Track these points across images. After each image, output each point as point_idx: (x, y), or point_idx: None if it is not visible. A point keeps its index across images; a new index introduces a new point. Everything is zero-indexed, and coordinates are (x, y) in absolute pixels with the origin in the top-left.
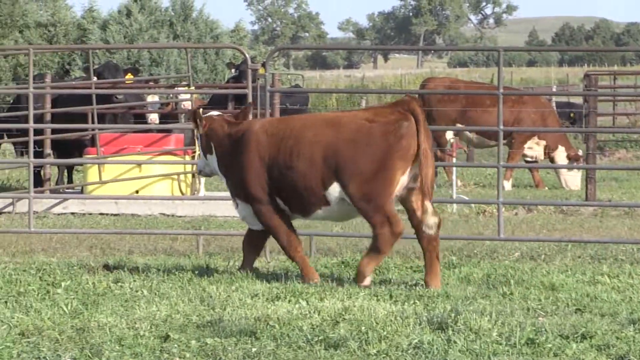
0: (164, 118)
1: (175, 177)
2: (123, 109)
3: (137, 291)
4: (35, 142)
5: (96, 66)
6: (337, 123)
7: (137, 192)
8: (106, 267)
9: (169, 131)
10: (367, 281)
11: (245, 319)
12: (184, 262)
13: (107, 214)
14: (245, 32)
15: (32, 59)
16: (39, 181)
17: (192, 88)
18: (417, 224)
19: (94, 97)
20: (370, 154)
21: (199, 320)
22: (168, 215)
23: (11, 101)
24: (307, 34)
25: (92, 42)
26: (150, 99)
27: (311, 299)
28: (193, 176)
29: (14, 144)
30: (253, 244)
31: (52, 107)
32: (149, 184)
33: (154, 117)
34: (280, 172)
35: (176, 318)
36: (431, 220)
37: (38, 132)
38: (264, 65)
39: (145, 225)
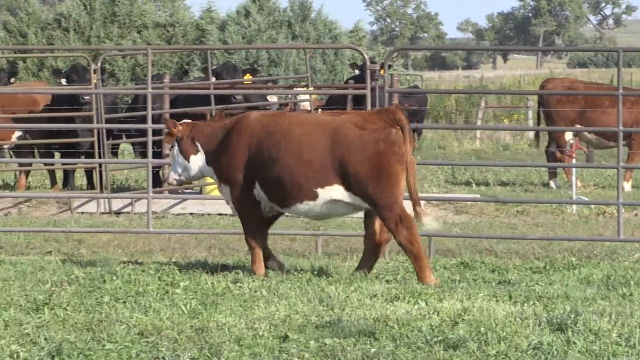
0: None
1: None
2: (242, 110)
3: (256, 291)
4: (153, 142)
5: (215, 66)
6: (329, 127)
7: None
8: (225, 267)
9: None
10: (433, 281)
11: (364, 320)
12: (303, 262)
13: (225, 215)
14: (363, 32)
15: (150, 59)
16: (157, 181)
17: (311, 88)
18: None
19: (212, 97)
20: (367, 157)
21: (318, 321)
22: (287, 216)
23: (129, 101)
24: (425, 35)
25: (210, 43)
26: (269, 99)
27: (430, 299)
28: None
29: (133, 144)
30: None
31: (171, 107)
32: None
33: None
34: (265, 164)
35: (295, 318)
36: (431, 222)
37: (157, 132)
38: (382, 66)
39: None
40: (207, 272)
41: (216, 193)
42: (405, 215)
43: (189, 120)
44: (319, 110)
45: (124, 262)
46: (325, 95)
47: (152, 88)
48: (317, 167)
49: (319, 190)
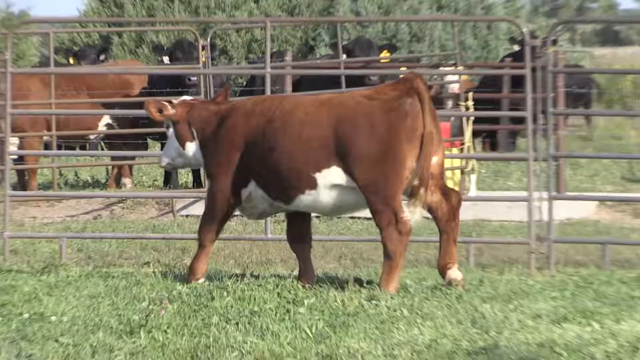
0: None
1: None
2: None
3: (395, 310)
4: None
5: (346, 42)
6: (331, 102)
7: None
8: (358, 281)
9: None
10: (393, 290)
11: (525, 345)
12: None
13: (359, 218)
14: (522, 2)
15: (269, 33)
16: None
17: (460, 68)
18: (433, 209)
19: (343, 78)
20: (374, 134)
21: (470, 346)
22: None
23: (244, 83)
24: (595, 5)
25: (340, 14)
26: None
27: (605, 320)
28: (462, 173)
29: None
30: (299, 235)
31: (294, 90)
32: None
33: None
34: (264, 154)
35: (442, 343)
36: (418, 214)
37: None
38: (545, 41)
39: None
40: (336, 287)
41: None
42: (402, 218)
43: (188, 98)
44: (470, 93)
45: (237, 275)
46: (477, 76)
47: (272, 67)
48: (316, 148)
49: (317, 175)
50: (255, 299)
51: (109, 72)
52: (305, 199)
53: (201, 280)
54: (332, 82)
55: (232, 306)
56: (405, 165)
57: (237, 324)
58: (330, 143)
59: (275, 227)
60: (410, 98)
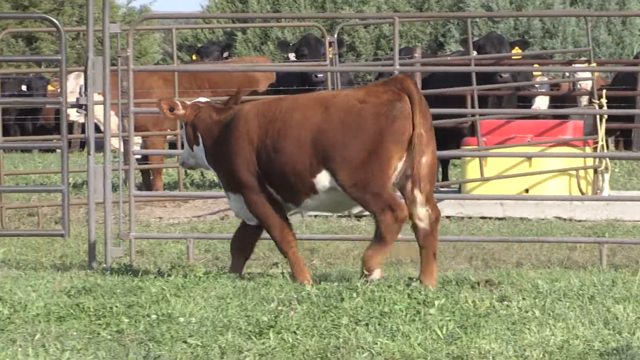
0: (558, 101)
1: (573, 172)
2: (509, 90)
3: (526, 311)
4: None
5: (476, 38)
6: (326, 104)
7: (526, 191)
8: (489, 282)
9: (565, 117)
10: (377, 274)
11: None
12: (584, 276)
13: (490, 218)
14: None
15: (397, 29)
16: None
17: (593, 65)
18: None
19: (473, 75)
20: (360, 138)
21: (602, 347)
22: (565, 220)
23: (372, 81)
24: None
25: (470, 9)
26: (538, 78)
27: None
28: (595, 172)
29: None
30: (242, 245)
31: (423, 87)
32: (540, 181)
33: (541, 102)
34: (269, 157)
35: (574, 344)
36: (422, 211)
37: None
38: None
39: (536, 231)
40: (467, 288)
41: (478, 192)
42: (398, 204)
43: (204, 100)
44: (603, 91)
45: (365, 276)
46: (610, 73)
47: (400, 64)
48: (311, 151)
49: (314, 180)
50: (385, 300)
51: (233, 69)
52: (311, 202)
53: (307, 281)
54: (462, 79)
55: (362, 307)
56: (391, 164)
57: (367, 325)
58: (321, 145)
59: (406, 227)
60: (400, 102)
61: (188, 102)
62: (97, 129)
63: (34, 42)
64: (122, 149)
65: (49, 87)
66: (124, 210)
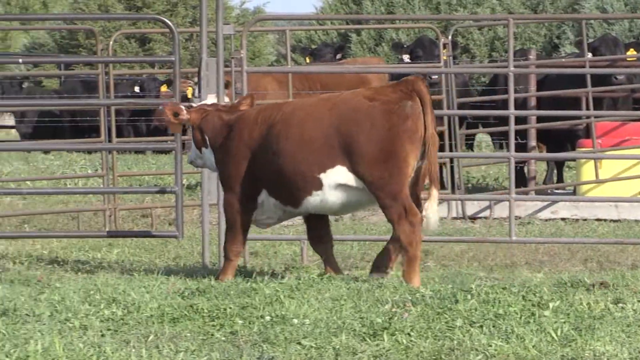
0: None
1: None
2: (624, 92)
3: None
4: (516, 132)
5: (591, 40)
6: (331, 103)
7: None
8: (604, 284)
9: None
10: (417, 283)
11: None
12: None
13: (605, 220)
14: None
15: (512, 31)
16: (522, 180)
17: None
18: None
19: (588, 77)
20: (376, 134)
21: None
22: None
23: (487, 82)
24: None
25: (585, 11)
26: None
27: None
28: None
29: (491, 134)
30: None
31: (538, 89)
32: None
33: None
34: (269, 159)
35: None
36: (435, 212)
37: (520, 120)
38: None
39: None
40: (582, 290)
41: (593, 194)
42: (411, 209)
43: (208, 102)
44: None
45: (481, 278)
46: None
47: (515, 66)
48: (318, 148)
49: (322, 176)
50: (499, 302)
51: (346, 71)
52: (313, 200)
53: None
54: (577, 81)
55: (476, 309)
56: (408, 164)
57: (481, 327)
58: (333, 142)
59: (520, 229)
60: (411, 101)
61: (194, 106)
62: None
63: (147, 43)
64: None
65: (162, 89)
66: None
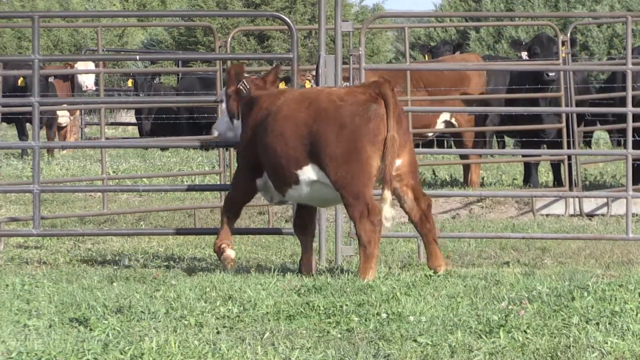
0: None
1: None
2: None
3: None
4: (634, 129)
5: None
6: (311, 100)
7: None
8: None
9: None
10: (370, 278)
11: None
12: None
13: None
14: None
15: (630, 28)
16: (639, 177)
17: None
18: (407, 211)
19: None
20: (340, 135)
21: None
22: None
23: (605, 80)
24: None
25: None
26: None
27: None
28: None
29: (609, 131)
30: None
31: None
32: None
33: None
34: (262, 148)
35: None
36: (411, 205)
37: (638, 117)
38: None
39: None
40: None
41: None
42: (374, 209)
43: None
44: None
45: (597, 275)
46: None
47: (633, 64)
48: (294, 145)
49: (299, 172)
50: (616, 299)
51: (464, 68)
52: (294, 192)
53: (228, 252)
54: None
55: (592, 306)
56: (370, 165)
57: (597, 324)
58: (306, 140)
59: (637, 226)
60: (375, 104)
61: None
62: None
63: (266, 40)
64: None
65: (280, 86)
66: None
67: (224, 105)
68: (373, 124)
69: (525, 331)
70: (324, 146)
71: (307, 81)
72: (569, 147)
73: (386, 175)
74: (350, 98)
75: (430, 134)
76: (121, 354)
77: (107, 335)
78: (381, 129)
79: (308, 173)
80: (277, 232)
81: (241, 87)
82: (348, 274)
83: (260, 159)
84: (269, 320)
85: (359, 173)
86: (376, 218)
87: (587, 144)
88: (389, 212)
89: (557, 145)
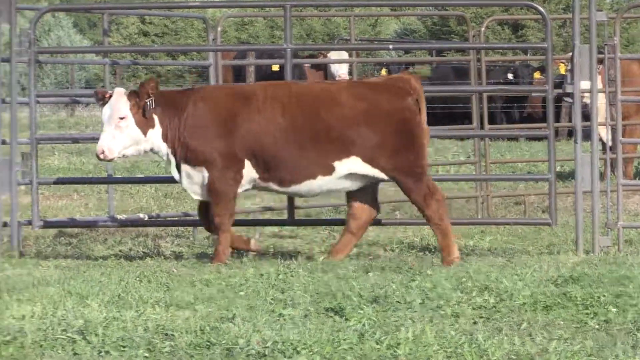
0: None
1: None
2: None
3: None
4: None
5: None
6: (337, 93)
7: None
8: None
9: None
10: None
11: None
12: None
13: None
14: None
15: None
16: None
17: None
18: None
19: None
20: (396, 126)
21: None
22: None
23: None
24: None
25: None
26: None
27: None
28: None
29: None
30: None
31: None
32: None
33: None
34: (261, 138)
35: None
36: None
37: None
38: None
39: None
40: None
41: None
42: (435, 187)
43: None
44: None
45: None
46: None
47: None
48: (332, 137)
49: (337, 164)
50: None
51: None
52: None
53: (223, 262)
54: None
55: None
56: (425, 150)
57: None
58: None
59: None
60: (411, 97)
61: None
62: (584, 117)
63: (520, 29)
64: (609, 138)
65: (535, 75)
66: (611, 199)
67: (128, 120)
68: (419, 116)
69: None
70: (375, 137)
71: (562, 64)
72: None
73: None
74: (391, 91)
75: None
76: (377, 343)
77: (363, 325)
78: (420, 121)
79: (349, 164)
80: (530, 222)
81: (148, 102)
82: (606, 264)
83: (250, 150)
84: (526, 311)
85: (416, 159)
86: (440, 195)
87: None
88: None
89: None
